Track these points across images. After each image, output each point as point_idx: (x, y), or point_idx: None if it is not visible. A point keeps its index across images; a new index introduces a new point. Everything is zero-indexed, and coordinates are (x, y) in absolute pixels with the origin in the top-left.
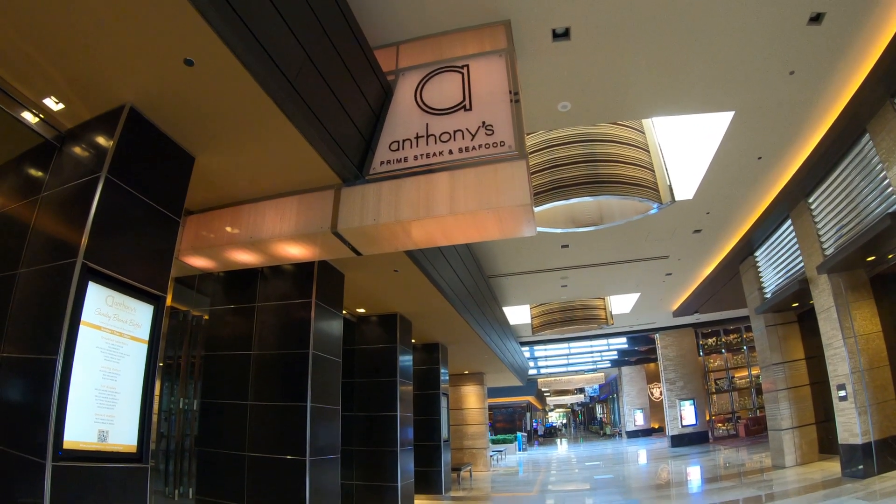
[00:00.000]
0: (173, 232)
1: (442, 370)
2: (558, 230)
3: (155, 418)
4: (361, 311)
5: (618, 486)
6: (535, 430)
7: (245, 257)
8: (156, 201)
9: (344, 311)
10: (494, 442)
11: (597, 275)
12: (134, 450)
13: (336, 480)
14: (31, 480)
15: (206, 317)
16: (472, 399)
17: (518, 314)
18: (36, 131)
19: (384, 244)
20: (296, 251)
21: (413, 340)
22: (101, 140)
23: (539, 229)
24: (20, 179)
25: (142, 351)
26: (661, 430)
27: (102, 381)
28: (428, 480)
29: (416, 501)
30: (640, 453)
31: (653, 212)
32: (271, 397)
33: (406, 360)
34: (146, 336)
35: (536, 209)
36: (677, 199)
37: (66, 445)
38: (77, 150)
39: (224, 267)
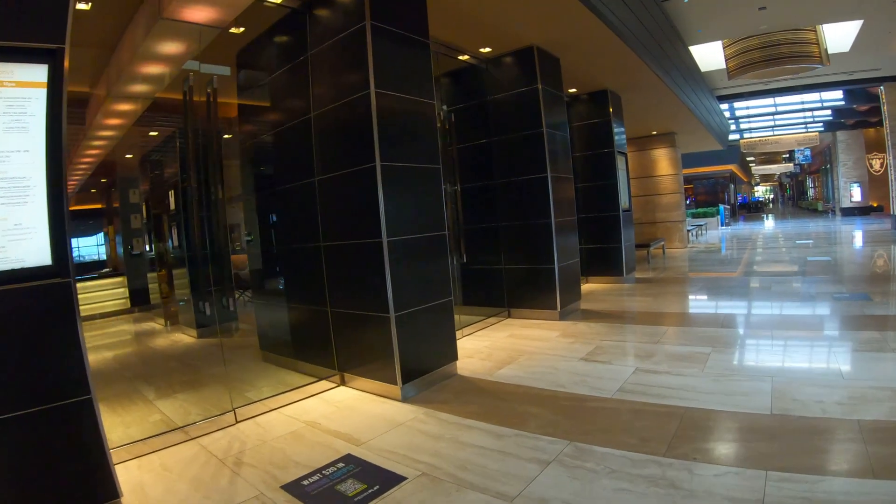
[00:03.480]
0: None
1: (615, 124)
2: None
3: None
4: (486, 50)
5: (834, 273)
6: (741, 204)
7: None
8: None
9: (464, 56)
10: (694, 216)
11: None
12: (48, 262)
13: (443, 265)
14: None
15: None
16: (664, 164)
17: (709, 58)
18: None
19: None
20: None
21: (573, 90)
22: None
23: None
24: None
25: (38, 125)
26: (880, 209)
27: None
28: (604, 260)
29: (586, 285)
30: (857, 234)
31: None
32: (334, 166)
33: (555, 105)
34: (42, 107)
35: None
36: None
37: None
38: None
39: (232, 9)
